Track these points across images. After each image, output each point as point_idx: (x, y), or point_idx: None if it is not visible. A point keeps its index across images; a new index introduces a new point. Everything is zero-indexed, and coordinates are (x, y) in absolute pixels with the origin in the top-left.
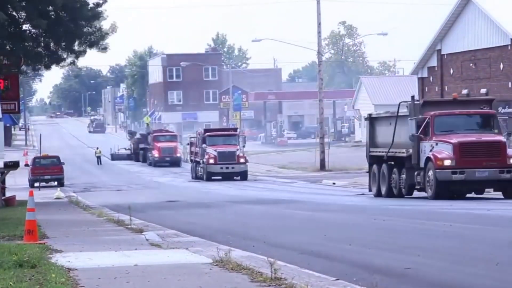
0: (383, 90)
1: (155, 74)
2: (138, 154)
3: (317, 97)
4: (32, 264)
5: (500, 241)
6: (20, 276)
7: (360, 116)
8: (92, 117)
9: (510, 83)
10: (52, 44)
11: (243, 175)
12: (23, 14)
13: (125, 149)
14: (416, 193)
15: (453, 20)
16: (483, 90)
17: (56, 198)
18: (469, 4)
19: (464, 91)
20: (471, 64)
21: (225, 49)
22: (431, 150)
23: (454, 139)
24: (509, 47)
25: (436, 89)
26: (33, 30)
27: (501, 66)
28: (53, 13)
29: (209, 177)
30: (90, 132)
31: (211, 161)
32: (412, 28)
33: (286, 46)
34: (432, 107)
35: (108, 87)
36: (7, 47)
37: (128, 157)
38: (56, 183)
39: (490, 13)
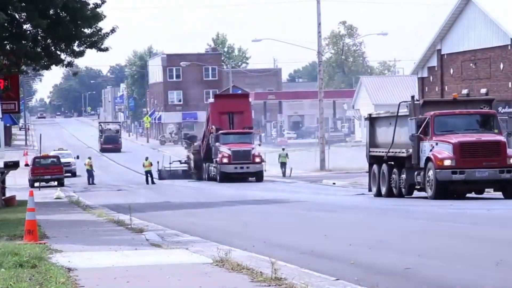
0: (383, 90)
1: (155, 74)
2: (201, 169)
3: (317, 97)
4: (32, 264)
5: (500, 241)
6: (20, 276)
7: (360, 116)
8: (101, 125)
9: (510, 83)
10: (51, 45)
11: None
12: (23, 14)
13: (180, 162)
14: (416, 193)
15: (453, 20)
16: (483, 90)
17: (56, 198)
18: (469, 4)
19: (464, 91)
20: (471, 64)
21: (225, 49)
22: (431, 150)
23: (454, 139)
24: (509, 47)
25: (436, 89)
26: (33, 30)
27: (501, 66)
28: (53, 13)
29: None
30: (101, 148)
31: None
32: (412, 28)
33: (286, 46)
34: (432, 107)
35: (108, 87)
36: (7, 47)
37: (184, 174)
38: (56, 183)
39: (490, 13)
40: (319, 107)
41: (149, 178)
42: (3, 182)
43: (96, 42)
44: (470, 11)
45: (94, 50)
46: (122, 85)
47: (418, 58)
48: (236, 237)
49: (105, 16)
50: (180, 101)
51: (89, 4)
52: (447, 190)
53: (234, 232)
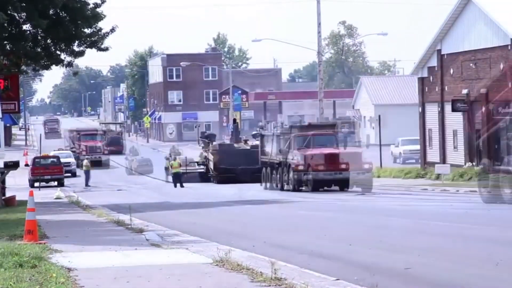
0: (383, 90)
1: (155, 74)
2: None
3: (317, 97)
4: (32, 264)
5: (500, 241)
6: (20, 276)
7: (360, 116)
8: (103, 126)
9: (510, 83)
10: (51, 45)
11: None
12: (23, 14)
13: (197, 163)
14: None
15: (453, 20)
16: (483, 90)
17: (56, 198)
18: (469, 4)
19: (464, 91)
20: (471, 64)
21: (226, 49)
22: (292, 159)
23: (306, 152)
24: (509, 47)
25: (436, 89)
26: (33, 30)
27: (501, 66)
28: (53, 13)
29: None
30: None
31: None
32: (412, 28)
33: (286, 46)
34: (295, 130)
35: (108, 87)
36: (7, 47)
37: (202, 177)
38: (56, 183)
39: (490, 13)
40: (319, 107)
41: (178, 180)
42: (3, 182)
43: (96, 42)
44: (470, 11)
45: (94, 50)
46: (122, 85)
47: (418, 58)
48: (236, 237)
49: (105, 16)
50: (180, 101)
51: (89, 4)
52: (301, 186)
53: (234, 232)
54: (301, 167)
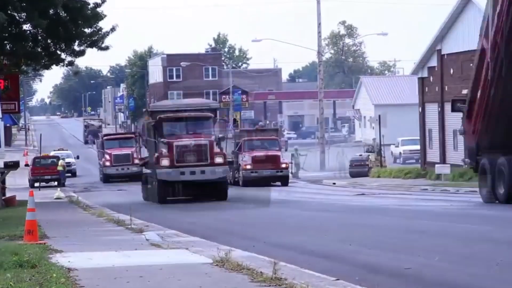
0: (383, 90)
1: (155, 74)
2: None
3: (317, 97)
4: (32, 264)
5: (500, 241)
6: (20, 276)
7: (360, 116)
8: (86, 121)
9: None
10: (51, 45)
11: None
12: (23, 14)
13: None
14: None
15: (453, 20)
16: None
17: (56, 198)
18: (469, 4)
19: (464, 91)
20: (471, 64)
21: (226, 49)
22: (242, 159)
23: (253, 154)
24: None
25: (436, 89)
26: (33, 30)
27: None
28: (53, 13)
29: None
30: (85, 141)
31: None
32: (412, 28)
33: (286, 46)
34: (244, 134)
35: (108, 87)
36: (7, 47)
37: None
38: (56, 183)
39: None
40: (319, 107)
41: None
42: (3, 182)
43: (96, 41)
44: (470, 11)
45: (94, 50)
46: (122, 85)
47: (418, 58)
48: (236, 237)
49: (105, 16)
50: None
51: (89, 4)
52: (249, 182)
53: (234, 232)
54: (249, 166)
